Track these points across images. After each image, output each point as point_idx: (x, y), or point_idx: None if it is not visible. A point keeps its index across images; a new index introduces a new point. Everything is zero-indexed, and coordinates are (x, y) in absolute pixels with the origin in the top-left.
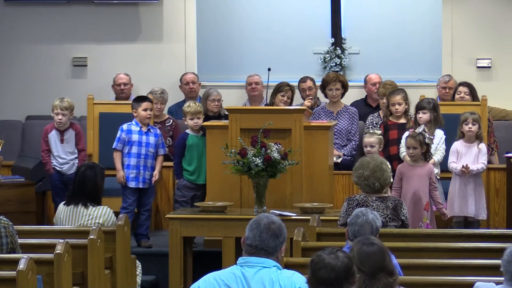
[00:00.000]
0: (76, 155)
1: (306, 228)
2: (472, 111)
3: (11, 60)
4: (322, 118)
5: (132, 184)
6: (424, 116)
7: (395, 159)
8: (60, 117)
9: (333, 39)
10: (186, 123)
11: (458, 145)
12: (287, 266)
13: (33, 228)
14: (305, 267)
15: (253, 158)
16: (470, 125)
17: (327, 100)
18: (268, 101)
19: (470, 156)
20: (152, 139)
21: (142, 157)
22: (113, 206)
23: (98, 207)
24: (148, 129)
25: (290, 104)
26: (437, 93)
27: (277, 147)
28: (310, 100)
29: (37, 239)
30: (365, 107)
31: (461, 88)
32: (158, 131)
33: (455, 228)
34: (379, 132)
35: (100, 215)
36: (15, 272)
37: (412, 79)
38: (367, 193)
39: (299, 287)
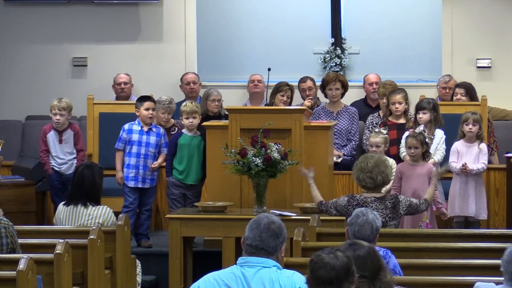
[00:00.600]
0: (74, 155)
1: (306, 228)
2: (474, 111)
3: (11, 60)
4: (322, 118)
5: (131, 184)
6: (424, 116)
7: (395, 159)
8: (58, 117)
9: (333, 39)
10: (182, 122)
11: (458, 145)
12: (287, 266)
13: (33, 228)
14: (305, 267)
15: (253, 158)
16: (470, 126)
17: (327, 100)
18: (268, 101)
19: (471, 156)
20: (153, 139)
21: (142, 157)
22: (113, 206)
23: (98, 206)
24: (150, 129)
25: (290, 103)
26: (437, 93)
27: (277, 147)
28: (310, 100)
29: (37, 239)
30: (365, 107)
31: (457, 90)
32: (161, 130)
33: (455, 228)
34: (385, 131)
35: (100, 215)
36: (15, 272)
37: (412, 79)
38: (368, 189)
39: (299, 287)
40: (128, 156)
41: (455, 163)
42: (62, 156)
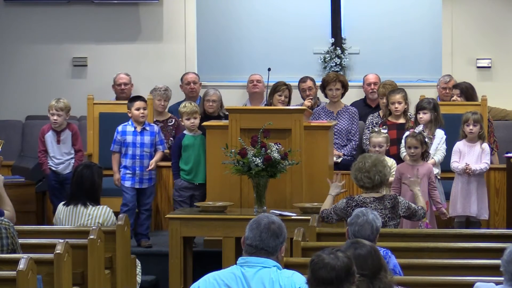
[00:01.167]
0: (72, 156)
1: (306, 228)
2: (474, 111)
3: (11, 60)
4: (322, 118)
5: (128, 183)
6: (424, 116)
7: (394, 159)
8: (55, 117)
9: (333, 39)
10: (183, 123)
11: (460, 144)
12: (287, 266)
13: (33, 228)
14: (305, 267)
15: (253, 158)
16: (471, 126)
17: (327, 100)
18: (267, 101)
19: (473, 155)
20: (147, 139)
21: (137, 158)
22: (112, 206)
23: (98, 206)
24: (144, 128)
25: (288, 102)
26: (437, 93)
27: (277, 147)
28: (310, 100)
29: (37, 239)
30: (365, 107)
31: (453, 91)
32: (156, 128)
33: (455, 228)
34: (385, 131)
35: (99, 215)
36: (15, 272)
37: (412, 79)
38: (366, 189)
39: (299, 287)
40: (124, 158)
41: (457, 163)
42: (59, 157)
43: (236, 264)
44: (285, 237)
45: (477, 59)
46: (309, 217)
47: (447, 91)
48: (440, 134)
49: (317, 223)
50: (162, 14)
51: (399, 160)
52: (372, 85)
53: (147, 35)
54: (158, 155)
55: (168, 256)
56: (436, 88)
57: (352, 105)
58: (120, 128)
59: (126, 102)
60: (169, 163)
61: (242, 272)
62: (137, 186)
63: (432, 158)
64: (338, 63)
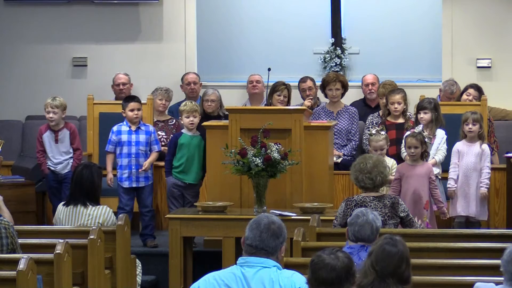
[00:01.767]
0: (70, 155)
1: (306, 228)
2: (474, 110)
3: (11, 60)
4: (322, 118)
5: (125, 184)
6: (425, 116)
7: (394, 159)
8: (51, 115)
9: (333, 39)
10: (181, 122)
11: (459, 145)
12: (287, 266)
13: (33, 228)
14: (305, 267)
15: (253, 158)
16: (470, 125)
17: (327, 100)
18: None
19: (472, 156)
20: (142, 137)
21: (133, 156)
22: (112, 206)
23: (98, 206)
24: (139, 127)
25: (288, 102)
26: (437, 93)
27: (277, 147)
28: (310, 100)
29: (37, 239)
30: (364, 107)
31: (471, 91)
32: (151, 128)
33: (456, 228)
34: (383, 132)
35: (99, 215)
36: (15, 272)
37: (412, 79)
38: (367, 190)
39: (299, 287)
40: (120, 157)
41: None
42: (58, 156)
43: (236, 264)
44: (285, 237)
45: (477, 59)
46: (309, 217)
47: (451, 100)
48: (441, 134)
49: (317, 223)
50: (162, 14)
51: (398, 160)
52: (370, 85)
53: (147, 35)
54: (153, 156)
55: (168, 256)
56: (439, 91)
57: (352, 105)
58: (115, 128)
59: None
60: None
61: (242, 272)
62: (134, 185)
63: (433, 158)
64: (338, 63)
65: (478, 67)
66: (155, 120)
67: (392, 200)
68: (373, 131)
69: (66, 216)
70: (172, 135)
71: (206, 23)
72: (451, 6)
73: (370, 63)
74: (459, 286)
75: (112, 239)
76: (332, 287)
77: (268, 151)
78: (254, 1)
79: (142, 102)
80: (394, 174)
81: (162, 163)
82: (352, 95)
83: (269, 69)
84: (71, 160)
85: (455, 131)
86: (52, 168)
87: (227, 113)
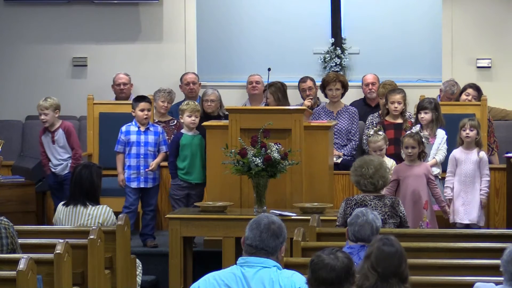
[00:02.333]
0: (69, 155)
1: (306, 228)
2: (471, 117)
3: (11, 60)
4: (322, 118)
5: (133, 185)
6: (426, 116)
7: (392, 159)
8: (42, 116)
9: (333, 39)
10: (182, 121)
11: (456, 152)
12: (287, 266)
13: (33, 228)
14: (305, 267)
15: (253, 158)
16: (467, 131)
17: (327, 100)
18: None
19: (469, 164)
20: (151, 138)
21: (142, 156)
22: (113, 206)
23: (98, 206)
24: (148, 128)
25: (282, 99)
26: (437, 93)
27: (277, 147)
28: (310, 100)
29: (37, 239)
30: (364, 107)
31: (470, 91)
32: (159, 129)
33: (456, 228)
34: (381, 132)
35: (99, 215)
36: (15, 272)
37: (412, 79)
38: (368, 192)
39: (299, 287)
40: (128, 158)
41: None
42: (58, 157)
43: (236, 264)
44: (285, 237)
45: (477, 59)
46: (309, 217)
47: (451, 101)
48: (441, 134)
49: (317, 223)
50: (162, 14)
51: (397, 159)
52: (370, 85)
53: (147, 35)
54: (160, 156)
55: (168, 256)
56: (439, 91)
57: (351, 105)
58: (124, 128)
59: (125, 102)
60: None
61: (242, 272)
62: (142, 186)
63: (434, 158)
64: (338, 63)
65: (478, 67)
66: (156, 120)
67: (392, 200)
68: (371, 132)
69: (66, 216)
70: (172, 136)
71: (206, 23)
72: (451, 6)
73: (370, 63)
74: (459, 286)
75: (112, 239)
76: (332, 287)
77: (268, 151)
78: (254, 1)
79: None
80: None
81: (162, 164)
82: (352, 95)
83: (269, 69)
84: (70, 161)
85: (455, 131)
86: (53, 170)
87: (227, 113)
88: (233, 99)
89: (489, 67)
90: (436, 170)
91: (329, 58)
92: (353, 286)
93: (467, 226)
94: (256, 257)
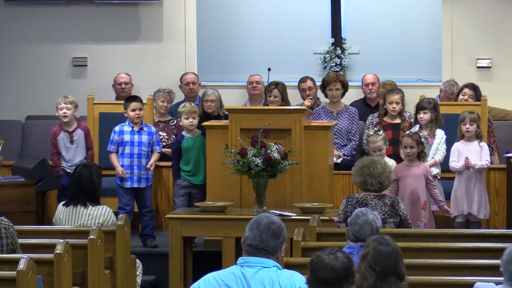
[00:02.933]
0: (85, 156)
1: (306, 228)
2: (472, 110)
3: (11, 60)
4: (322, 118)
5: (127, 185)
6: (425, 116)
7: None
8: (64, 110)
9: (333, 39)
10: (181, 123)
11: (458, 145)
12: (287, 266)
13: (33, 228)
14: (305, 267)
15: (253, 158)
16: (468, 125)
17: (327, 100)
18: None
19: (471, 154)
20: (145, 138)
21: (135, 156)
22: (113, 207)
23: (98, 206)
24: (141, 128)
25: (283, 100)
26: (437, 93)
27: (277, 147)
28: (310, 100)
29: (37, 239)
30: (364, 107)
31: (466, 90)
32: (153, 129)
33: (456, 228)
34: (381, 131)
35: (99, 215)
36: (15, 272)
37: (412, 79)
38: (373, 192)
39: (299, 287)
40: (122, 157)
41: (455, 162)
42: (75, 157)
43: (236, 264)
44: (285, 237)
45: (477, 59)
46: (309, 217)
47: (452, 101)
48: (440, 134)
49: (317, 223)
50: (162, 14)
51: (396, 160)
52: (370, 85)
53: (147, 35)
54: (155, 156)
55: (168, 256)
56: (439, 91)
57: (351, 105)
58: (117, 128)
59: None
60: (168, 163)
61: (242, 272)
62: (135, 186)
63: (433, 157)
64: (338, 63)
65: (478, 67)
66: (156, 120)
67: (392, 200)
68: (371, 132)
69: (66, 216)
70: (173, 137)
71: (206, 23)
72: (451, 6)
73: (370, 63)
74: (459, 286)
75: (112, 239)
76: (332, 287)
77: (268, 151)
78: (254, 1)
79: (143, 102)
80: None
81: (162, 164)
82: (352, 95)
83: (269, 69)
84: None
85: (454, 131)
86: (68, 170)
87: (227, 113)
88: (233, 99)
89: (489, 67)
90: (435, 170)
91: (329, 58)
92: (353, 286)
93: (467, 219)
94: (256, 257)
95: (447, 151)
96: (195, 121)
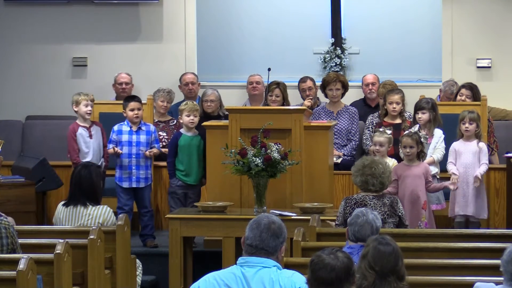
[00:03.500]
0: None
1: (306, 228)
2: (471, 110)
3: (11, 60)
4: (322, 118)
5: (125, 185)
6: (423, 116)
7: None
8: (89, 107)
9: (333, 39)
10: (181, 121)
11: (456, 144)
12: (287, 266)
13: (33, 228)
14: (305, 267)
15: (253, 158)
16: (467, 124)
17: (327, 100)
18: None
19: (469, 154)
20: (143, 138)
21: (134, 156)
22: (113, 207)
23: (98, 206)
24: (139, 128)
25: (284, 100)
26: (437, 93)
27: (277, 147)
28: (310, 100)
29: (37, 239)
30: (364, 107)
31: (463, 91)
32: (151, 128)
33: (456, 228)
34: (389, 132)
35: (99, 215)
36: (15, 272)
37: (412, 79)
38: (374, 192)
39: (299, 287)
40: (120, 157)
41: (452, 165)
42: (96, 153)
43: (236, 264)
44: (285, 237)
45: (477, 59)
46: (309, 217)
47: (451, 101)
48: (438, 133)
49: (317, 223)
50: (162, 14)
51: (396, 160)
52: (370, 85)
53: (147, 35)
54: (155, 149)
55: (168, 256)
56: (439, 91)
57: (352, 105)
58: (116, 127)
59: None
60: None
61: (242, 272)
62: (134, 186)
63: (431, 156)
64: (338, 63)
65: (478, 67)
66: (156, 120)
67: (391, 199)
68: (380, 129)
69: (66, 216)
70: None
71: (206, 23)
72: (451, 6)
73: (370, 63)
74: (459, 286)
75: (112, 239)
76: (332, 287)
77: (268, 151)
78: (254, 1)
79: (142, 102)
80: None
81: (162, 163)
82: (352, 95)
83: (269, 69)
84: (102, 160)
85: (453, 131)
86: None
87: (227, 113)
88: (233, 99)
89: (489, 67)
90: (434, 170)
91: (329, 58)
92: (353, 286)
93: (466, 219)
94: (256, 257)
95: (446, 150)
96: (196, 119)
